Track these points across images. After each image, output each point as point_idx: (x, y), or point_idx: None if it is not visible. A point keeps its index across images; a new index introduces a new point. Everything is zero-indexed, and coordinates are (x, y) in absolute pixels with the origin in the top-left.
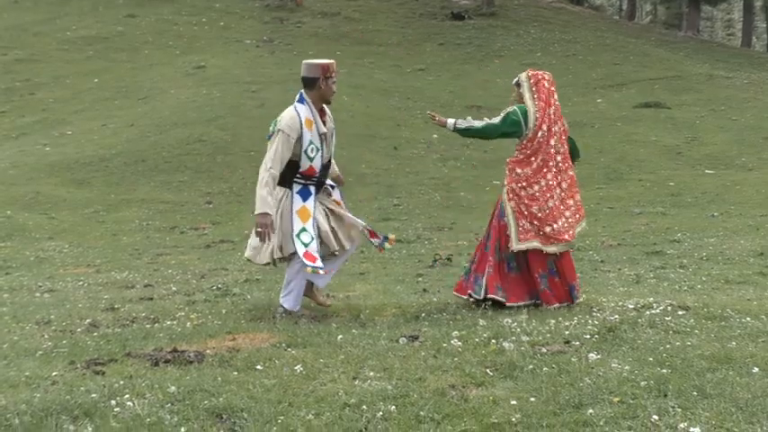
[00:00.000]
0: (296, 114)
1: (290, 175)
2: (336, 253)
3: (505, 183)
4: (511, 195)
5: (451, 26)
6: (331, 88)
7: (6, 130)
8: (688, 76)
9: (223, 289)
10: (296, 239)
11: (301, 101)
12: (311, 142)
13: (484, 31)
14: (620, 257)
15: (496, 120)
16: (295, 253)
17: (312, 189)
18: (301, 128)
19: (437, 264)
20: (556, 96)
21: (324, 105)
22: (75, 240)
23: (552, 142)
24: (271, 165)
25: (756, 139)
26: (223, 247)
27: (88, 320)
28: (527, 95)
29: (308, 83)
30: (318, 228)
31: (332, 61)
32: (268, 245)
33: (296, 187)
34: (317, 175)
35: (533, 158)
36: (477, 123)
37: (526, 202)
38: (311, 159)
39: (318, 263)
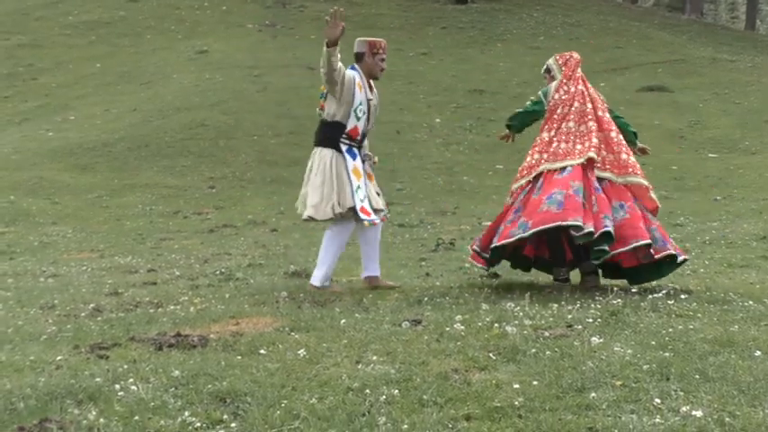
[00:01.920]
0: (352, 72)
1: (337, 134)
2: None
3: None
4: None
5: (454, 10)
6: (378, 65)
7: (9, 115)
8: (691, 60)
9: (226, 273)
10: (355, 195)
11: (353, 68)
12: (361, 103)
13: (486, 15)
14: None
15: (530, 101)
16: (342, 214)
17: (356, 151)
18: (354, 86)
19: (440, 248)
20: (579, 73)
21: (371, 81)
22: (78, 225)
23: (568, 109)
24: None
25: (760, 122)
26: (226, 231)
27: (92, 305)
28: (558, 75)
29: (357, 57)
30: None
31: (380, 39)
32: (328, 201)
33: (343, 146)
34: (359, 137)
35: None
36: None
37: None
38: (358, 119)
39: (373, 216)
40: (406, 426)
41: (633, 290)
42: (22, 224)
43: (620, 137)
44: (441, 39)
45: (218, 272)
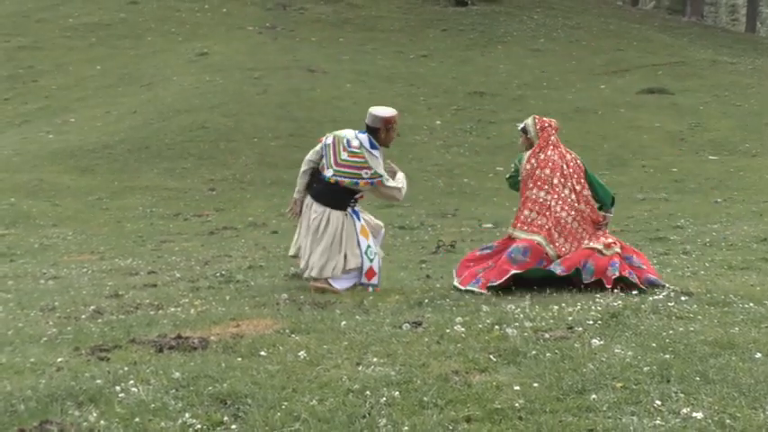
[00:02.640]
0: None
1: (348, 199)
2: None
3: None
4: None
5: (454, 12)
6: (391, 137)
7: (9, 117)
8: (691, 62)
9: (227, 275)
10: (365, 256)
11: (373, 146)
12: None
13: (487, 17)
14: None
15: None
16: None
17: (357, 210)
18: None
19: (440, 250)
20: (553, 140)
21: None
22: (78, 227)
23: (538, 175)
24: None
25: (760, 125)
26: (226, 233)
27: (92, 307)
28: (535, 140)
29: (372, 131)
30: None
31: (394, 113)
32: (334, 262)
33: (349, 209)
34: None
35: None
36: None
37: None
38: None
39: (374, 280)
40: (406, 427)
41: (634, 291)
42: (22, 226)
43: (580, 216)
44: (441, 41)
45: (218, 274)
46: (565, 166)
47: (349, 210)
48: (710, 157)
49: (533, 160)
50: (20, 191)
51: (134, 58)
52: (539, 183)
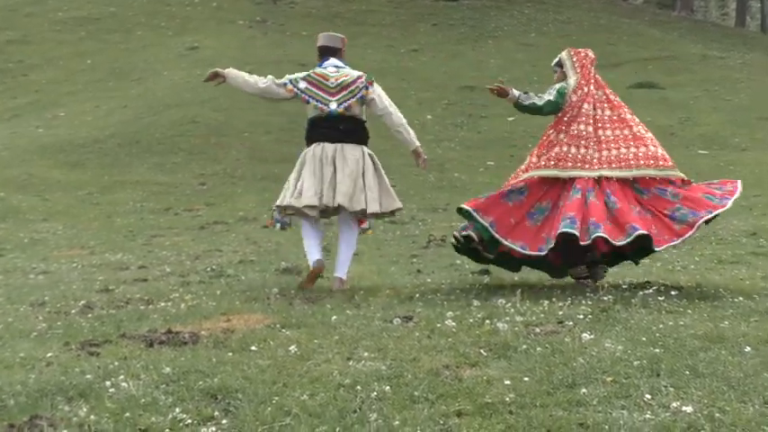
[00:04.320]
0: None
1: (361, 131)
2: None
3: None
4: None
5: (445, 6)
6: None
7: None
8: (682, 57)
9: (217, 270)
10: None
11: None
12: None
13: (478, 12)
14: None
15: (551, 97)
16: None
17: None
18: None
19: (431, 245)
20: (592, 72)
21: None
22: (68, 222)
23: (584, 108)
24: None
25: (750, 119)
26: (217, 228)
27: (82, 302)
28: (570, 72)
29: (337, 53)
30: None
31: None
32: (362, 194)
33: (366, 149)
34: None
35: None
36: (538, 101)
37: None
38: None
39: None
40: (397, 422)
41: (624, 286)
42: (11, 221)
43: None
44: (432, 35)
45: (209, 269)
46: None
47: (366, 149)
48: (701, 152)
49: (579, 92)
50: (9, 185)
51: (124, 53)
52: (582, 118)
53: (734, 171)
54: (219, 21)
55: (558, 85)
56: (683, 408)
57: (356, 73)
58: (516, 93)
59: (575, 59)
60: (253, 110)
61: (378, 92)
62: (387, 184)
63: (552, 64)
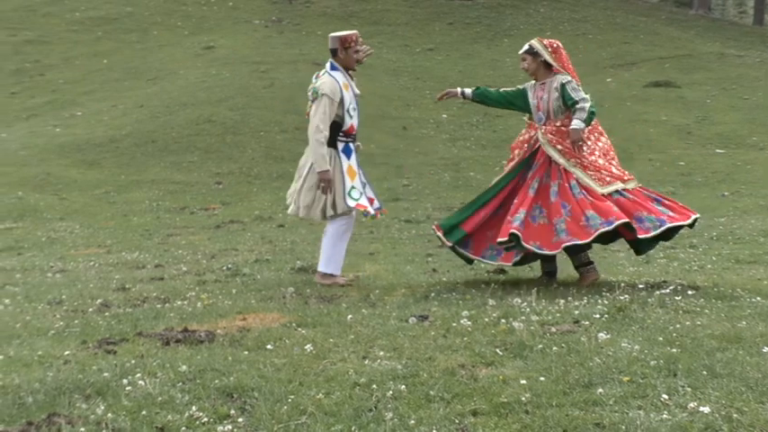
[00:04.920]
0: (334, 80)
1: (333, 135)
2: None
3: (559, 148)
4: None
5: (460, 5)
6: (352, 57)
7: (17, 111)
8: (699, 55)
9: (233, 269)
10: (348, 197)
11: (334, 68)
12: (351, 102)
13: (493, 11)
14: None
15: (589, 99)
16: (335, 216)
17: (352, 146)
18: (341, 90)
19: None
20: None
21: (350, 73)
22: (85, 221)
23: None
24: (323, 127)
25: (767, 118)
26: (233, 227)
27: (99, 300)
28: (553, 62)
29: (332, 53)
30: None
31: (350, 32)
32: (320, 202)
33: (340, 146)
34: (355, 132)
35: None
36: (590, 107)
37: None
38: (352, 117)
39: (369, 208)
40: (412, 421)
41: (640, 285)
42: (29, 220)
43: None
44: (447, 34)
45: (224, 267)
46: None
47: (340, 146)
48: (718, 151)
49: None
50: (27, 184)
51: (140, 52)
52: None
53: (751, 170)
54: (235, 20)
55: (574, 82)
56: (701, 408)
57: (319, 81)
58: (579, 124)
59: (549, 49)
60: (268, 109)
61: (314, 107)
62: (306, 189)
63: (521, 51)
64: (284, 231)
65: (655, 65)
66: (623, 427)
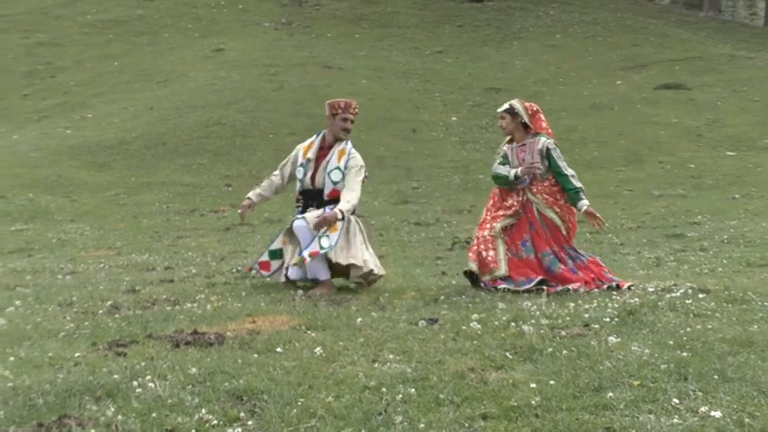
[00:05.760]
0: (301, 144)
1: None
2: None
3: (556, 209)
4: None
5: (470, 8)
6: (338, 125)
7: (28, 113)
8: (709, 57)
9: (243, 271)
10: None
11: (317, 134)
12: (301, 165)
13: (503, 13)
14: (639, 240)
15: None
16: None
17: (297, 210)
18: (299, 153)
19: (456, 247)
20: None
21: (338, 142)
22: (96, 223)
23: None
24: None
25: None
26: (242, 229)
27: (110, 302)
28: (532, 127)
29: (326, 119)
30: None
31: (341, 100)
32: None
33: (296, 210)
34: (300, 198)
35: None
36: (577, 183)
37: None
38: (300, 181)
39: (255, 267)
40: (422, 425)
41: (650, 289)
42: (40, 221)
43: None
44: (457, 37)
45: (234, 270)
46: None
47: (296, 212)
48: (728, 153)
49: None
50: (38, 186)
51: (151, 55)
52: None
53: (762, 172)
54: (245, 23)
55: (558, 150)
56: (712, 412)
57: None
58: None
59: (529, 112)
60: (278, 111)
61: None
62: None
63: (500, 110)
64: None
65: (665, 67)
66: None
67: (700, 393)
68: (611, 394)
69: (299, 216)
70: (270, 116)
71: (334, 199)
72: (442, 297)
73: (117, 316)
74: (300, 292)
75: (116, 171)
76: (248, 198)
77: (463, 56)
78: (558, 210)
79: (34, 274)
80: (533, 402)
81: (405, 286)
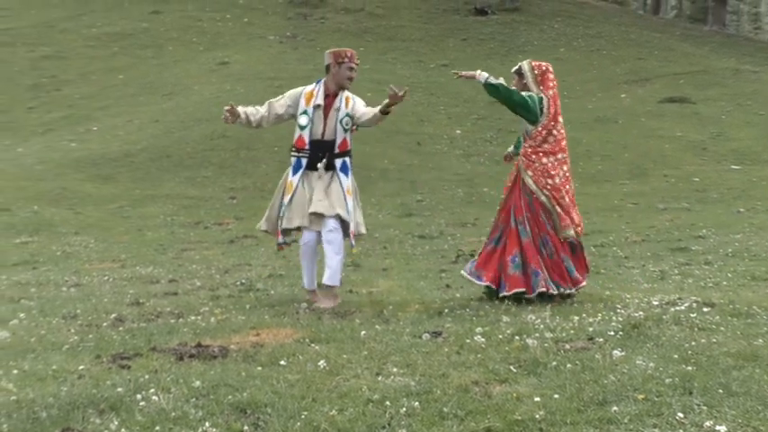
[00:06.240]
0: (302, 89)
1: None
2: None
3: (530, 173)
4: (542, 184)
5: (474, 21)
6: (344, 73)
7: (33, 125)
8: (713, 71)
9: (247, 284)
10: (281, 216)
11: (317, 81)
12: (304, 112)
13: (507, 27)
14: (644, 253)
15: (520, 93)
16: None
17: (303, 162)
18: (300, 98)
19: (460, 260)
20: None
21: (340, 90)
22: (100, 235)
23: (564, 133)
24: (268, 102)
25: None
26: (247, 242)
27: (114, 315)
28: (533, 86)
29: (326, 69)
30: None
31: (346, 49)
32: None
33: (293, 159)
34: (306, 147)
35: (557, 149)
36: (503, 85)
37: (552, 191)
38: (302, 129)
39: (280, 239)
40: None
41: (655, 302)
42: (44, 234)
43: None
44: (461, 50)
45: (238, 282)
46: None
47: (292, 161)
48: (733, 167)
49: (554, 107)
50: (43, 199)
51: (156, 68)
52: (563, 143)
53: (767, 186)
54: (250, 36)
55: (528, 93)
56: (717, 427)
57: None
58: (485, 75)
59: (536, 71)
60: (283, 125)
61: None
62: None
63: (512, 71)
64: (297, 247)
65: (669, 81)
66: None
67: (704, 407)
68: (615, 408)
69: (334, 228)
70: (274, 129)
71: (345, 152)
72: (446, 310)
73: (121, 329)
74: (304, 304)
75: (121, 184)
76: (233, 105)
77: (468, 69)
78: (530, 174)
79: (38, 287)
80: (537, 416)
81: (409, 299)
